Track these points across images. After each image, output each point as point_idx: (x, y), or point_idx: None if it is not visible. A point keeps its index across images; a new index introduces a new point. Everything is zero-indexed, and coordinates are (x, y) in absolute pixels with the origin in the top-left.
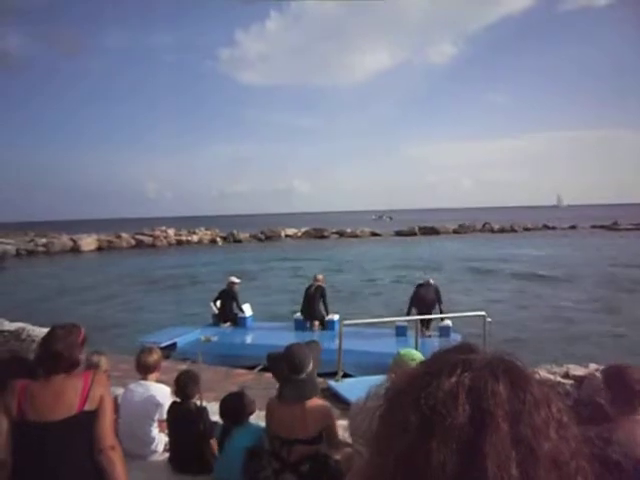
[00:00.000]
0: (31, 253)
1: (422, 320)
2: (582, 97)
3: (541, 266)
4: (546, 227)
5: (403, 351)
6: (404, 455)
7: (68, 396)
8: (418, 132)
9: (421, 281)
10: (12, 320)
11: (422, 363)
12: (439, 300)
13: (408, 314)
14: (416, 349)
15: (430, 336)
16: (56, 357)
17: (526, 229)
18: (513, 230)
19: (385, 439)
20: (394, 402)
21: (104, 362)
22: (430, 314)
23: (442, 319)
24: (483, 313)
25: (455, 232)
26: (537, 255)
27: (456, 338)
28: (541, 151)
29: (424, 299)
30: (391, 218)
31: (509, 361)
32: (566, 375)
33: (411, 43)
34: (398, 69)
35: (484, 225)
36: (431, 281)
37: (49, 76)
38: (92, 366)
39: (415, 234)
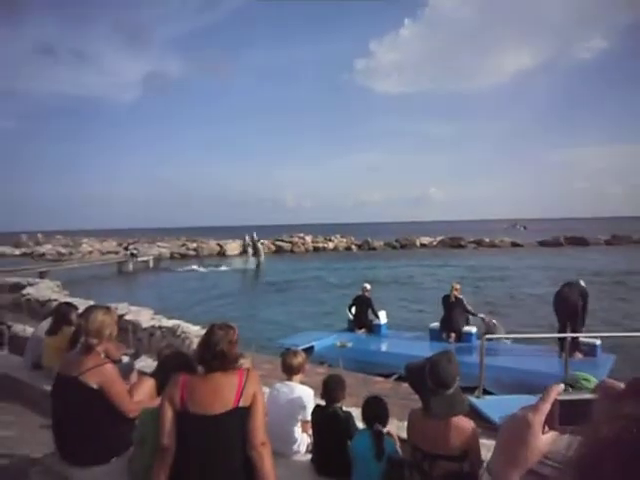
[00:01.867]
0: (183, 256)
1: (567, 332)
2: None
3: None
4: None
5: (581, 374)
6: None
7: (225, 392)
8: (562, 136)
9: (568, 280)
10: (169, 317)
11: (630, 401)
12: (584, 305)
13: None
14: (565, 370)
15: (577, 356)
16: (220, 355)
17: None
18: None
19: None
20: (628, 461)
21: (247, 364)
22: (573, 319)
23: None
24: None
25: (607, 243)
26: None
27: (608, 360)
28: None
29: (566, 300)
30: (525, 227)
31: None
32: None
33: (554, 40)
34: (540, 69)
35: None
36: (581, 282)
37: (204, 96)
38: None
39: (561, 244)
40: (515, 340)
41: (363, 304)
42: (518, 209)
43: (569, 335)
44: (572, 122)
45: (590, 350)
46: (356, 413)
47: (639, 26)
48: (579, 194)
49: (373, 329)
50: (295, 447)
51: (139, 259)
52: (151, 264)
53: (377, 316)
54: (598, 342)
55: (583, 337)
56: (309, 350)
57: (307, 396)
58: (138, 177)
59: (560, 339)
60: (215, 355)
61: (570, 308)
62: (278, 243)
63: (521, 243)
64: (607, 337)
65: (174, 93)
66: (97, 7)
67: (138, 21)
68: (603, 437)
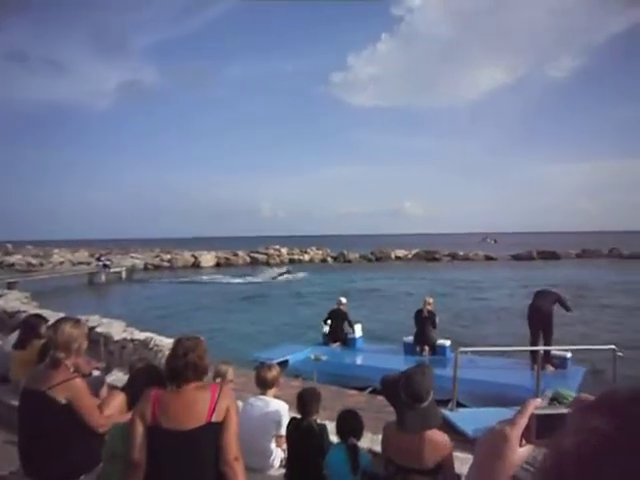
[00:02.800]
0: (157, 267)
1: (539, 343)
2: None
3: None
4: None
5: (567, 392)
6: None
7: (198, 407)
8: (537, 152)
9: (541, 289)
10: (142, 330)
11: (602, 418)
12: (565, 305)
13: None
14: (537, 382)
15: (549, 368)
16: (190, 367)
17: None
18: None
19: None
20: (585, 473)
21: (230, 372)
22: (545, 329)
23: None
24: (613, 346)
25: (578, 257)
26: None
27: (578, 372)
28: None
29: (539, 310)
30: (495, 241)
31: None
32: None
33: (528, 59)
34: (515, 86)
35: (611, 250)
36: (554, 290)
37: (180, 107)
38: (219, 375)
39: (533, 258)
40: (489, 352)
41: (338, 317)
42: (489, 223)
43: (541, 348)
44: (544, 139)
45: (561, 363)
46: (330, 427)
47: (608, 46)
48: (550, 209)
49: (348, 342)
50: (269, 462)
51: (111, 270)
52: (124, 275)
53: (353, 329)
54: (569, 355)
55: (554, 350)
56: (283, 364)
57: (282, 410)
58: (112, 187)
59: (532, 352)
60: (186, 365)
61: (543, 318)
62: (253, 255)
63: (495, 257)
64: (577, 350)
65: (150, 103)
66: (75, 14)
67: (115, 30)
68: (565, 450)
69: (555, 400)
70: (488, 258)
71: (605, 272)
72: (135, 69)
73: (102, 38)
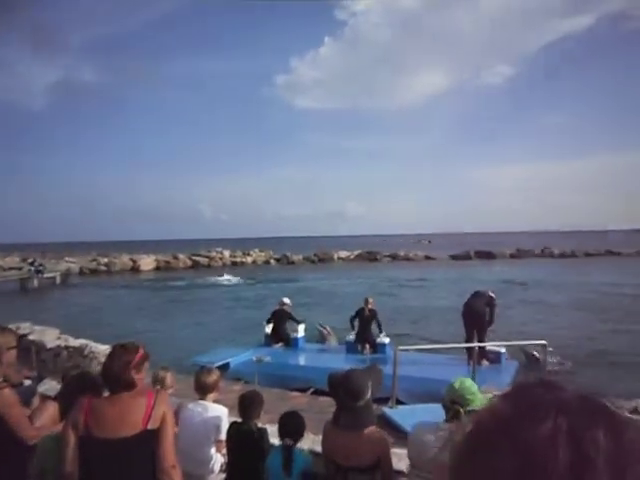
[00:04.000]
0: (93, 272)
1: (474, 341)
2: None
3: (600, 295)
4: (610, 252)
5: (458, 383)
6: None
7: (133, 414)
8: (474, 155)
9: (476, 290)
10: (77, 337)
11: (505, 401)
12: (491, 313)
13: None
14: (473, 378)
15: (484, 363)
16: (113, 376)
17: (587, 254)
18: (574, 255)
19: None
20: (481, 444)
21: (169, 378)
22: (479, 328)
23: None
24: (544, 342)
25: (512, 256)
26: (595, 282)
27: (511, 366)
28: (608, 174)
29: (472, 310)
30: (430, 241)
31: (603, 404)
32: (635, 410)
33: (467, 65)
34: (453, 91)
35: (543, 250)
36: (489, 292)
37: (117, 105)
38: (158, 381)
39: (470, 258)
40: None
41: (281, 318)
42: (428, 224)
43: (476, 345)
44: (482, 142)
45: (496, 358)
46: (272, 430)
47: (541, 54)
48: (487, 210)
49: (290, 343)
50: (209, 467)
51: (45, 275)
52: (58, 280)
53: (298, 324)
54: (503, 350)
55: (489, 346)
56: (225, 367)
57: (222, 415)
58: (45, 188)
59: (468, 348)
60: (109, 376)
61: (476, 318)
62: (195, 258)
63: (434, 257)
64: (511, 345)
65: (88, 101)
66: (7, 9)
67: (50, 26)
68: (468, 429)
69: (452, 396)
70: (428, 258)
71: (536, 270)
72: (72, 68)
73: (36, 34)
